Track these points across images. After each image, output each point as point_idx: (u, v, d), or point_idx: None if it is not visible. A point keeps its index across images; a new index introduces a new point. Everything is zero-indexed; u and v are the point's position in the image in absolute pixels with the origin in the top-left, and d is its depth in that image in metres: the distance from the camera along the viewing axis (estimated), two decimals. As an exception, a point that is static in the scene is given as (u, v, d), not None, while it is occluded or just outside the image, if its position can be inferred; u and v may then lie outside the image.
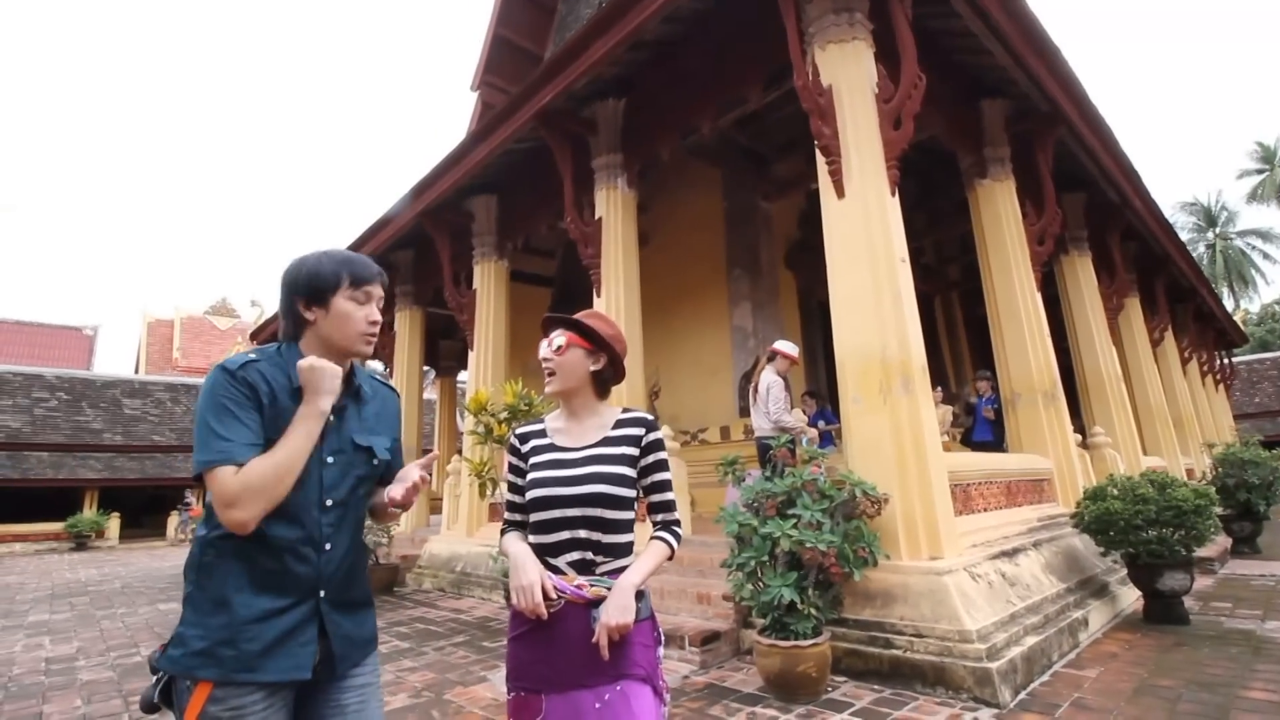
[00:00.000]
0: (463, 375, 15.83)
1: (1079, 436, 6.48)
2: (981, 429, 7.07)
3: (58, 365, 28.35)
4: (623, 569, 1.43)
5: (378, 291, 1.34)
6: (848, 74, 4.46)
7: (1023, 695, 3.08)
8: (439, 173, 7.26)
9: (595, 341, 1.53)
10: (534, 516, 1.46)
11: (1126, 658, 3.59)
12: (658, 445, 1.51)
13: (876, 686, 3.27)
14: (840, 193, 4.37)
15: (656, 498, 1.51)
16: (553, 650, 1.37)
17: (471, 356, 8.13)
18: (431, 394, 19.17)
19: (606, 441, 1.48)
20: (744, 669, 3.70)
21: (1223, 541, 6.84)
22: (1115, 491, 4.53)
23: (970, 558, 3.82)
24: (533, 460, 1.51)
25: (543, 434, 1.56)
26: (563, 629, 1.37)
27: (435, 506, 10.08)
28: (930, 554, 3.72)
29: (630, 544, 1.47)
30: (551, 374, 1.52)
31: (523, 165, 7.37)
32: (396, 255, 9.72)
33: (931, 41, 5.40)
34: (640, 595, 1.40)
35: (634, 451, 1.48)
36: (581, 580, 1.39)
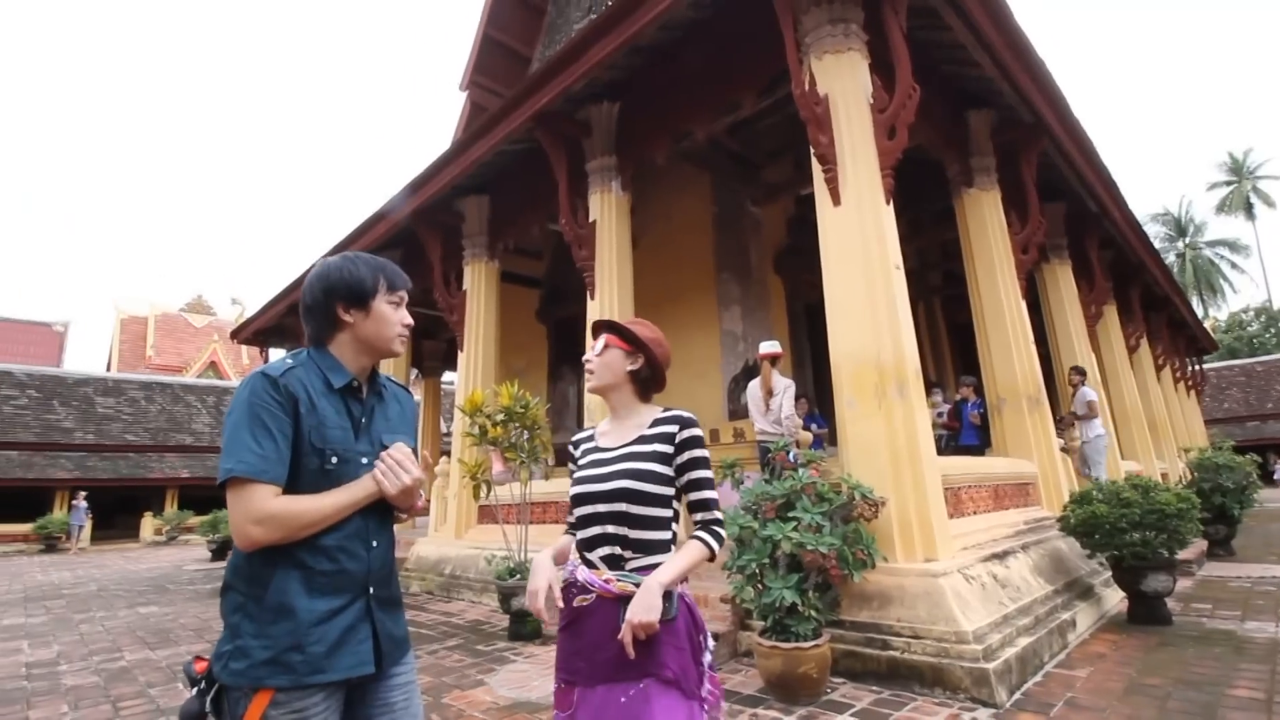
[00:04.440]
0: (447, 376, 15.72)
1: (1060, 441, 6.62)
2: (968, 433, 7.19)
3: (27, 362, 27.64)
4: (655, 566, 1.43)
5: (405, 295, 1.41)
6: (843, 84, 4.53)
7: (1018, 695, 3.14)
8: (433, 172, 7.21)
9: (632, 342, 1.58)
10: (574, 513, 1.52)
11: (1114, 658, 3.68)
12: (693, 442, 1.49)
13: (875, 687, 3.32)
14: (836, 200, 4.43)
15: (695, 496, 1.49)
16: (585, 644, 1.41)
17: (461, 358, 8.09)
18: (415, 394, 19.00)
19: (641, 440, 1.51)
20: (743, 670, 3.73)
21: (1200, 544, 7.03)
22: (1100, 495, 4.64)
23: (963, 560, 3.89)
24: (580, 461, 1.58)
25: (592, 437, 1.62)
26: (594, 623, 1.41)
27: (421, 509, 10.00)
28: (925, 556, 3.79)
29: (665, 542, 1.47)
30: (591, 373, 1.58)
31: (515, 166, 7.35)
32: (384, 255, 9.61)
33: (922, 52, 5.50)
34: (668, 596, 1.38)
35: (668, 449, 1.48)
36: (610, 575, 1.42)
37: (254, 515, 1.13)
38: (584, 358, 1.62)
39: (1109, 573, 4.87)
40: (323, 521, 1.18)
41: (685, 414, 1.53)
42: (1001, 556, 4.27)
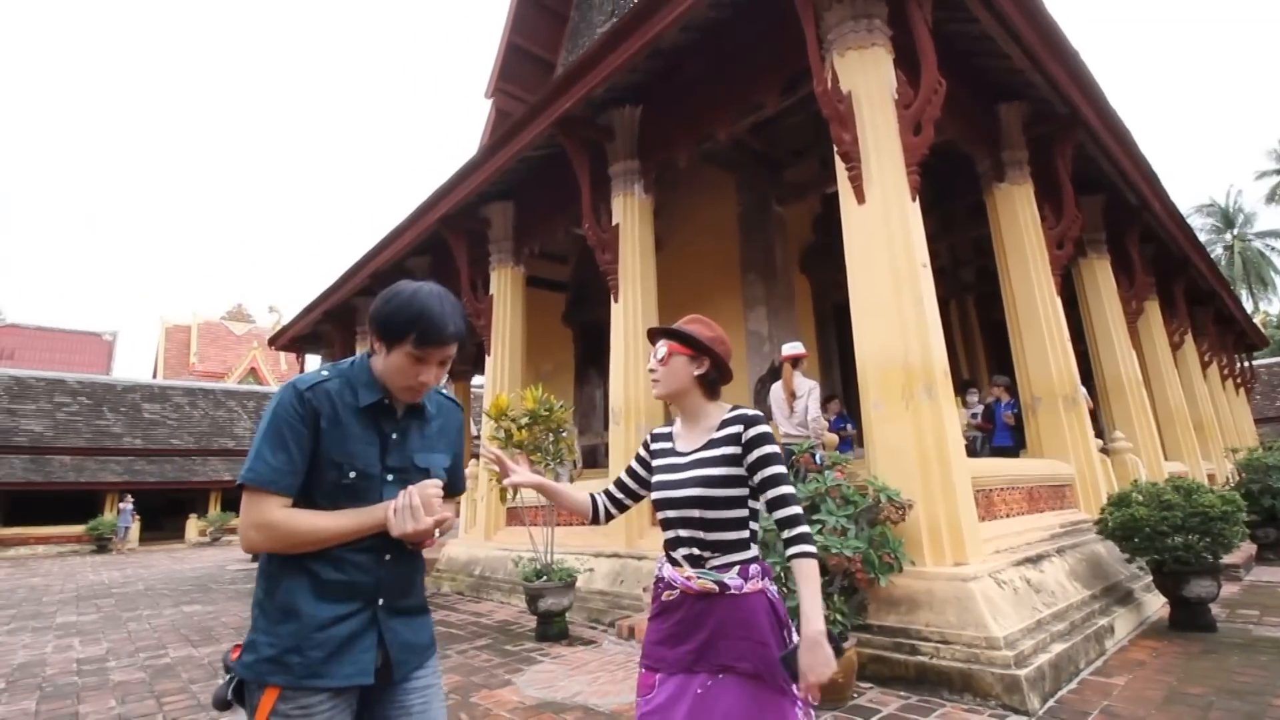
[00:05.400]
0: (476, 379, 15.91)
1: (1099, 441, 6.43)
2: (1001, 435, 7.03)
3: (79, 370, 28.80)
4: (733, 564, 1.46)
5: (441, 354, 1.30)
6: (867, 80, 4.47)
7: (1051, 703, 3.06)
8: (458, 180, 7.33)
9: (695, 346, 1.56)
10: (657, 515, 1.57)
11: (1154, 665, 3.56)
12: (760, 440, 1.46)
13: (903, 693, 3.27)
14: (860, 198, 4.38)
15: (771, 494, 1.44)
16: (669, 635, 1.48)
17: (489, 362, 8.19)
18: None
19: (710, 444, 1.52)
20: (768, 674, 3.70)
21: (1248, 548, 6.75)
22: (1140, 498, 4.50)
23: (995, 564, 3.81)
24: (656, 462, 1.62)
25: (669, 437, 1.64)
26: (679, 617, 1.47)
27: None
28: (955, 560, 3.71)
29: (744, 540, 1.48)
30: (656, 381, 1.59)
31: (538, 172, 7.42)
32: (413, 262, 9.81)
33: (949, 45, 5.40)
34: (830, 637, 1.38)
35: (735, 450, 1.48)
36: (691, 573, 1.47)
37: (255, 521, 1.19)
38: (648, 367, 1.61)
39: (1149, 577, 4.72)
40: (322, 541, 1.21)
41: (750, 412, 1.52)
42: (1035, 560, 4.17)
